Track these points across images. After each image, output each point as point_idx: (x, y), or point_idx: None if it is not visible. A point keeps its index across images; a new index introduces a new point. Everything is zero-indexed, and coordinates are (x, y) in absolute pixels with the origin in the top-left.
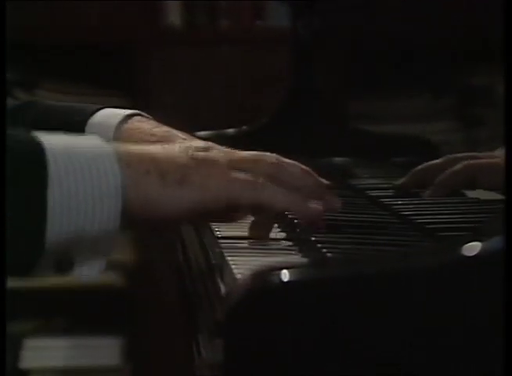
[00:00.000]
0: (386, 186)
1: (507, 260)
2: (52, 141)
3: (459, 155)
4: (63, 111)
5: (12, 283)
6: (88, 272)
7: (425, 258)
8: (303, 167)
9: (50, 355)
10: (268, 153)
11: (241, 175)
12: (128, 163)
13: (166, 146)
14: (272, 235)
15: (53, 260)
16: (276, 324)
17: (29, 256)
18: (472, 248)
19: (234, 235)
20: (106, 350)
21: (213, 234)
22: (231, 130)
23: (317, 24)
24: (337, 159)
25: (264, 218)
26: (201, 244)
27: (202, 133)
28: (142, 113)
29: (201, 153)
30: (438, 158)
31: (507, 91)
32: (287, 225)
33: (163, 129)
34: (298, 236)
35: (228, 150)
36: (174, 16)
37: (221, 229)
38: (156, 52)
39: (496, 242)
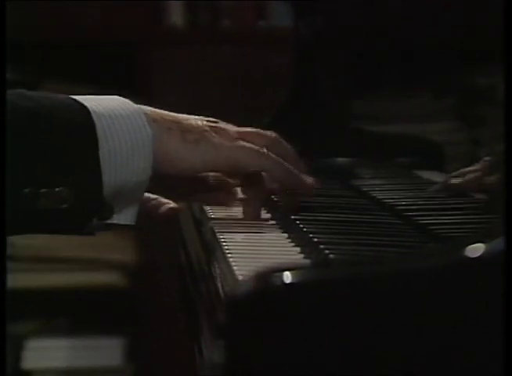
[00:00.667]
0: (389, 186)
1: (508, 261)
2: (91, 102)
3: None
4: None
5: (13, 283)
6: (125, 219)
7: (428, 259)
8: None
9: (52, 355)
10: (268, 131)
11: (248, 144)
12: (153, 119)
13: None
14: (273, 232)
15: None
16: (278, 325)
17: (88, 212)
18: (475, 250)
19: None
20: (107, 351)
21: (214, 232)
22: None
23: (319, 24)
24: (339, 159)
25: (254, 195)
26: (202, 244)
27: None
28: None
29: (212, 123)
30: (440, 158)
31: (507, 91)
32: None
33: None
34: (299, 232)
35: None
36: (176, 15)
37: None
38: (158, 52)
39: (500, 243)
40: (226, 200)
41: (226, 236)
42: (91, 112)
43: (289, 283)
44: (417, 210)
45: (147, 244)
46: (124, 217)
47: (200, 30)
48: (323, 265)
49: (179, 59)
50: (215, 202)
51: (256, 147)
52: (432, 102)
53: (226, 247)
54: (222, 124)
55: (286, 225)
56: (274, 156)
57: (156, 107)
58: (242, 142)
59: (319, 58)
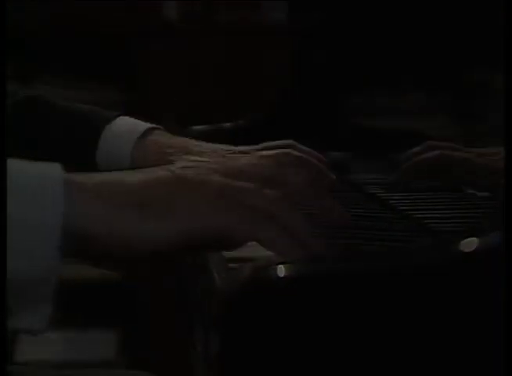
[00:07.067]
0: (383, 181)
1: (507, 257)
2: None
3: (440, 143)
4: (75, 112)
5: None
6: (27, 326)
7: (422, 253)
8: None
9: (45, 348)
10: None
11: (235, 205)
12: (97, 195)
13: (146, 171)
14: None
15: None
16: (272, 319)
17: None
18: (470, 244)
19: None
20: (101, 344)
21: None
22: (227, 124)
23: (314, 18)
24: (335, 153)
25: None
26: None
27: (198, 127)
28: (161, 127)
29: (189, 172)
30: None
31: (507, 90)
32: None
33: (180, 140)
34: None
35: (223, 155)
36: (171, 8)
37: None
38: (154, 45)
39: (494, 237)
40: None
41: None
42: None
43: (283, 277)
44: (411, 204)
45: None
46: (25, 322)
47: (196, 23)
48: (318, 259)
49: (175, 52)
50: None
51: (248, 212)
52: (428, 97)
53: None
54: (201, 176)
55: None
56: (272, 223)
57: (152, 101)
58: (226, 204)
59: (314, 52)
